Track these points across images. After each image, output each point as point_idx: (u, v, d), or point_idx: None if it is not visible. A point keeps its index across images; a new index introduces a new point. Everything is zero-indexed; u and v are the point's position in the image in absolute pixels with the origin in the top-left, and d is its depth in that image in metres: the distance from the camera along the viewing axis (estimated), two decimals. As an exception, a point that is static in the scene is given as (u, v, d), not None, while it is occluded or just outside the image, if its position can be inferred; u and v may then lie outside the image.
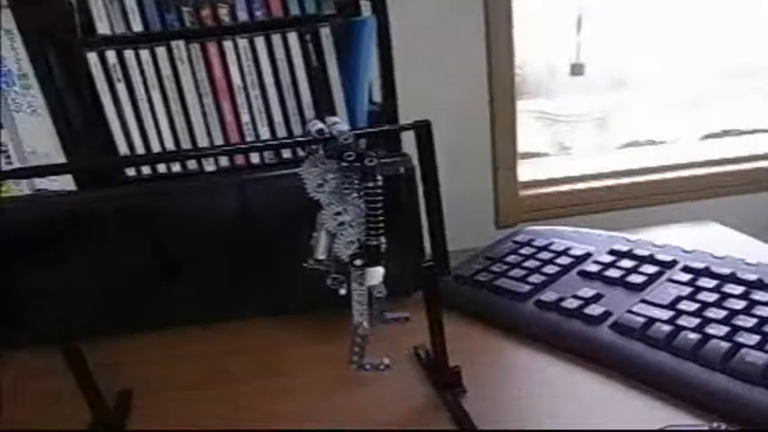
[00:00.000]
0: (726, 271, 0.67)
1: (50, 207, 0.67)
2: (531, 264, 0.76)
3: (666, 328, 0.59)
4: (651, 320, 0.61)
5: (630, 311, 0.63)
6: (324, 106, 0.70)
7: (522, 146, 1.12)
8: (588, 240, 0.81)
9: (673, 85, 1.11)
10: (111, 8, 0.63)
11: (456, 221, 1.04)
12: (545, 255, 0.78)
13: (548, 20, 1.03)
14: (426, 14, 0.92)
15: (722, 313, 0.60)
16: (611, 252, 0.76)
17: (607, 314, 0.64)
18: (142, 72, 0.66)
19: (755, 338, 0.56)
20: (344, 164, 0.45)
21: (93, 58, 0.65)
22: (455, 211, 1.03)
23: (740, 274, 0.66)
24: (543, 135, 1.12)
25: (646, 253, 0.74)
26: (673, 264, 0.71)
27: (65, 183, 0.68)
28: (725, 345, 0.55)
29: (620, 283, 0.69)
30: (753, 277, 0.66)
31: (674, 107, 1.13)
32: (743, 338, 0.56)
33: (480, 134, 0.99)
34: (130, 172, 0.70)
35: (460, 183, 1.01)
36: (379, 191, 0.46)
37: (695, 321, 0.59)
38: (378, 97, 0.76)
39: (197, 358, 0.68)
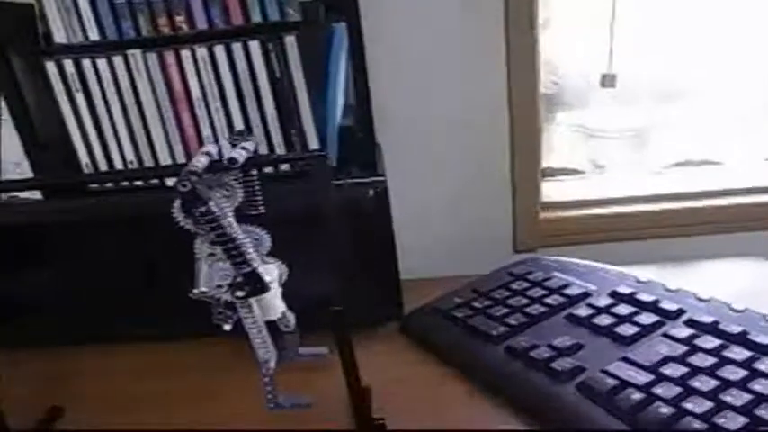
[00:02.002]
0: (736, 329, 0.57)
1: (16, 215, 0.67)
2: (516, 301, 0.68)
3: (637, 395, 0.50)
4: (624, 384, 0.52)
5: (604, 370, 0.54)
6: (289, 119, 0.66)
7: (557, 161, 1.03)
8: (593, 277, 0.72)
9: (726, 97, 0.96)
10: (67, 16, 0.62)
11: (473, 244, 0.97)
12: (537, 291, 0.69)
13: (585, 26, 0.93)
14: (443, 22, 0.86)
15: (712, 383, 0.50)
16: (613, 294, 0.67)
17: (578, 370, 0.55)
18: (100, 82, 0.64)
19: (741, 421, 0.46)
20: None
21: (51, 67, 0.63)
22: (473, 233, 0.97)
23: (752, 336, 0.56)
24: (579, 150, 1.01)
25: (650, 298, 0.64)
26: (677, 314, 0.62)
27: (31, 191, 0.68)
28: (699, 426, 0.46)
29: (608, 333, 0.60)
30: (766, 341, 0.55)
31: (731, 123, 0.99)
32: (724, 420, 0.46)
33: (500, 152, 0.91)
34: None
35: (479, 203, 0.94)
36: (212, 216, 0.41)
37: (675, 391, 0.50)
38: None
39: (138, 375, 0.66)
